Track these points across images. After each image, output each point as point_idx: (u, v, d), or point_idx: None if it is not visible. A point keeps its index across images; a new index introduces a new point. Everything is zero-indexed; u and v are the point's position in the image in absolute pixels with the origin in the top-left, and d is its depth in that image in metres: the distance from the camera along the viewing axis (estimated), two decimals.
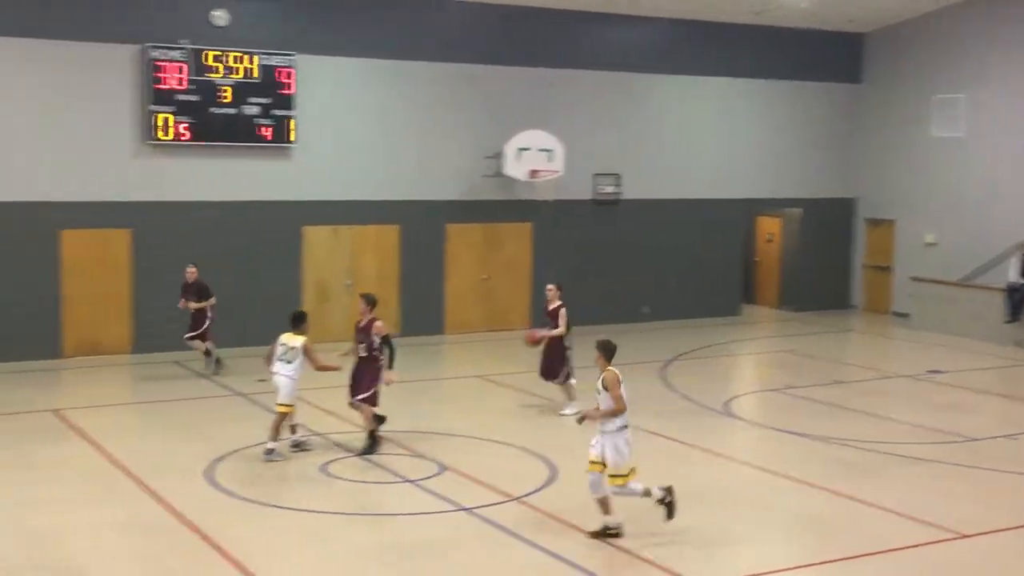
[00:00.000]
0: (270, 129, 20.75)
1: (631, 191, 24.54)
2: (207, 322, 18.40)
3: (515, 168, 22.55)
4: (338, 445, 13.96)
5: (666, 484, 10.76)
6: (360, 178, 21.93)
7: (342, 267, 22.07)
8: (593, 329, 23.67)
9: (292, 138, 20.97)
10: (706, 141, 25.45)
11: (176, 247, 20.20)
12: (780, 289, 27.69)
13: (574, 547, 10.48)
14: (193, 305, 18.25)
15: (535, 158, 22.64)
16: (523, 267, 23.81)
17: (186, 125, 20.03)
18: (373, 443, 13.61)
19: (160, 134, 19.86)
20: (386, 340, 13.69)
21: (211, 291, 18.44)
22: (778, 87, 26.07)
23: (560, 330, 15.87)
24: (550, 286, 16.35)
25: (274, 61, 20.63)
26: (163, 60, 19.72)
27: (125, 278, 20.07)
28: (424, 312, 22.72)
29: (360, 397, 13.62)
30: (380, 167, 22.10)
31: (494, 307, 23.65)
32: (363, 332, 13.71)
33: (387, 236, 22.43)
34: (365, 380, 13.62)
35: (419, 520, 11.06)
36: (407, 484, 12.41)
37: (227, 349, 19.18)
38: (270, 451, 13.28)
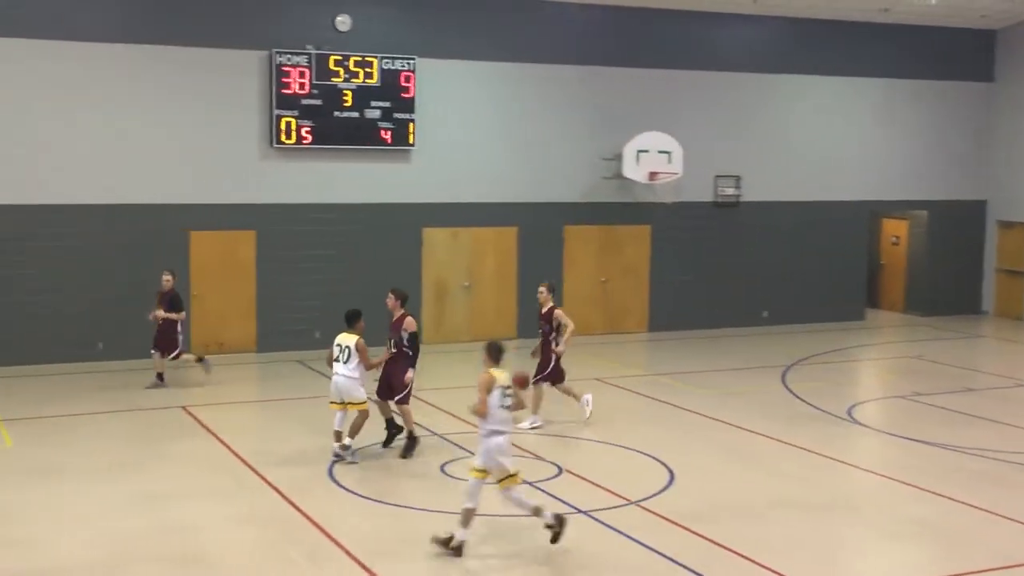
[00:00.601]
0: (390, 132, 21.01)
1: (751, 193, 24.17)
2: (179, 337, 17.35)
3: (634, 170, 22.43)
4: (457, 445, 14.01)
5: (563, 514, 10.38)
6: (479, 180, 22.05)
7: (461, 269, 22.22)
8: (711, 332, 23.65)
9: (412, 141, 21.20)
10: (829, 142, 24.91)
11: (299, 248, 20.68)
12: (906, 293, 26.94)
13: (692, 552, 10.35)
14: (161, 315, 17.05)
15: (654, 160, 22.49)
16: (641, 269, 23.65)
17: (308, 129, 20.42)
18: (413, 443, 13.51)
19: (284, 138, 20.29)
20: (413, 337, 13.47)
21: (182, 304, 17.52)
22: (904, 86, 25.36)
23: (571, 328, 15.33)
24: (541, 287, 15.68)
25: (395, 65, 20.89)
26: (288, 65, 20.15)
27: (250, 278, 20.54)
28: None
29: (398, 399, 13.45)
30: (499, 169, 22.20)
31: (612, 310, 23.54)
32: (394, 328, 13.59)
33: (505, 238, 22.51)
34: (397, 379, 13.42)
35: (536, 522, 11.03)
36: (524, 486, 12.40)
37: None
38: (348, 449, 13.20)
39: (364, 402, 13.18)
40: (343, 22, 20.74)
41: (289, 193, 20.65)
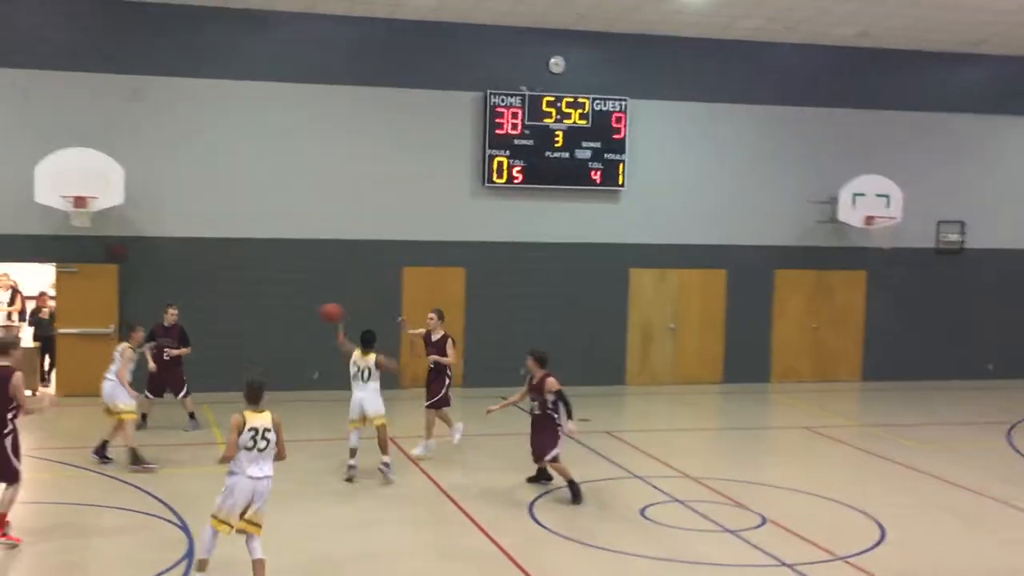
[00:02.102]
0: (600, 172, 21.10)
1: (977, 239, 23.06)
2: (183, 374, 16.76)
3: (850, 214, 21.78)
4: (658, 489, 13.81)
5: None
6: (687, 221, 21.85)
7: (667, 310, 22.01)
8: (930, 384, 22.58)
9: (621, 182, 21.21)
10: None
11: (507, 286, 20.97)
12: None
13: None
14: (173, 352, 16.47)
15: (871, 204, 21.79)
16: (855, 316, 22.88)
17: (520, 168, 20.74)
18: (577, 490, 13.16)
19: (496, 177, 20.66)
20: (560, 396, 13.13)
21: (188, 339, 16.91)
22: None
23: (450, 359, 15.10)
24: (431, 314, 15.36)
25: (606, 106, 20.99)
26: (502, 106, 20.55)
27: (459, 314, 20.91)
28: (749, 359, 22.27)
29: (551, 457, 13.27)
30: (708, 210, 21.94)
31: (822, 357, 22.83)
32: (536, 390, 13.32)
33: (713, 280, 22.17)
34: (547, 438, 13.26)
35: (736, 572, 10.72)
36: (726, 534, 12.09)
37: None
38: (388, 466, 13.82)
39: (383, 415, 13.91)
40: (556, 64, 21.01)
41: (499, 231, 20.98)
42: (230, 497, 9.64)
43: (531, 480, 13.83)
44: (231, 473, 9.69)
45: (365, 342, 14.04)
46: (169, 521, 11.98)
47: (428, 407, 15.24)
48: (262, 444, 9.70)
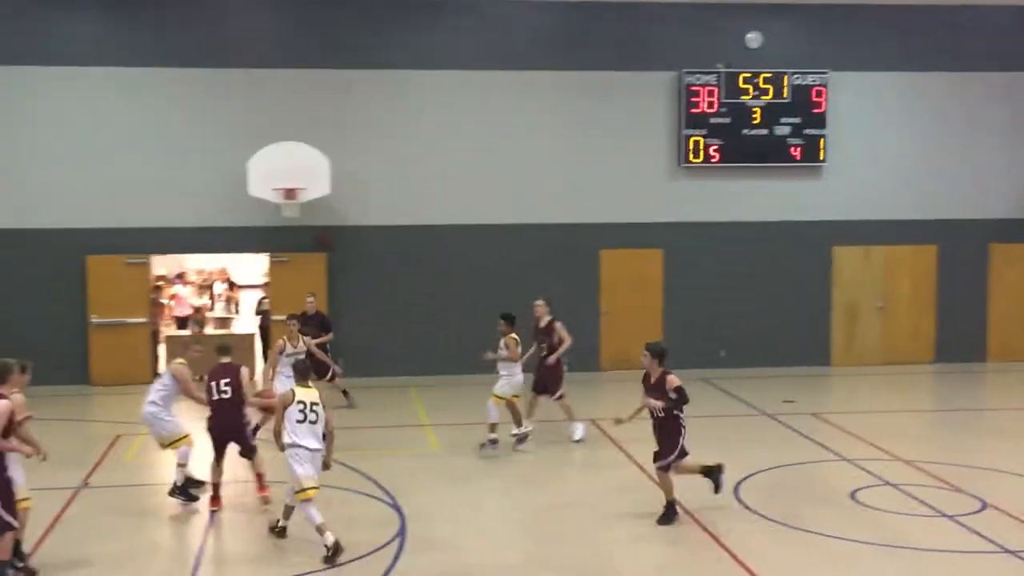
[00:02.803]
0: (800, 148, 20.58)
1: None
2: (328, 357, 16.95)
3: None
4: (869, 472, 13.40)
5: (340, 543, 10.25)
6: (894, 196, 21.08)
7: (874, 289, 21.30)
8: None
9: (822, 157, 20.63)
10: None
11: (705, 267, 20.73)
12: None
13: None
14: (312, 342, 16.14)
15: None
16: None
17: (716, 147, 20.43)
18: (672, 512, 11.58)
19: (692, 157, 20.42)
20: (679, 392, 11.46)
21: (331, 325, 17.36)
22: None
23: (567, 344, 14.97)
24: (538, 301, 15.19)
25: (806, 80, 20.44)
26: (697, 85, 20.28)
27: (657, 296, 20.80)
28: (964, 338, 21.34)
29: (669, 460, 11.56)
30: (917, 184, 21.10)
31: None
32: (655, 389, 11.57)
33: (923, 257, 21.32)
34: (664, 442, 11.61)
35: (954, 558, 10.30)
36: (943, 519, 11.63)
37: (749, 369, 19.31)
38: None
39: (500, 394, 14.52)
40: (754, 39, 20.58)
41: (696, 212, 20.74)
42: (299, 466, 10.46)
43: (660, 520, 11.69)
44: (291, 446, 10.50)
45: (510, 320, 14.60)
46: (380, 500, 12.37)
47: (557, 399, 15.15)
48: (312, 416, 10.54)
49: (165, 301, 22.40)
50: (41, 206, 19.37)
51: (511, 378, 14.59)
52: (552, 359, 15.02)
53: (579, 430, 15.12)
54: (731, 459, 13.78)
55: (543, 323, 15.18)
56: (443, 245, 20.27)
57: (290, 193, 18.72)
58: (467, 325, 19.96)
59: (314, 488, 10.47)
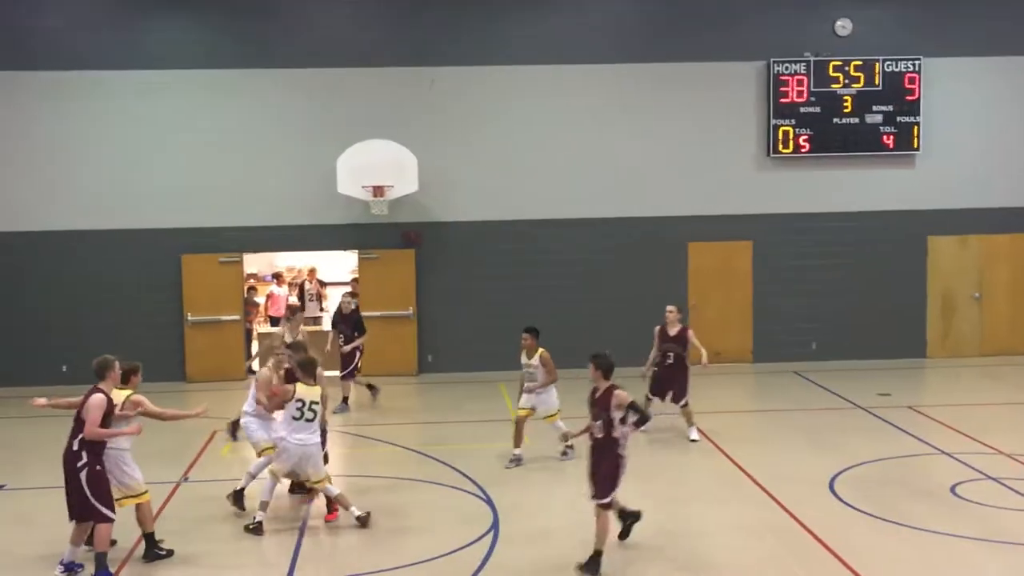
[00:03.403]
0: (892, 137, 20.19)
1: None
2: (357, 356, 17.17)
3: None
4: (968, 466, 13.10)
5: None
6: (993, 183, 20.59)
7: (970, 279, 20.84)
8: None
9: (916, 145, 20.22)
10: None
11: (795, 258, 20.47)
12: None
13: None
14: (345, 348, 16.87)
15: None
16: None
17: (806, 137, 20.15)
18: (596, 565, 10.00)
19: (781, 147, 20.16)
20: (633, 408, 10.05)
21: (364, 326, 17.27)
22: None
23: (704, 355, 14.86)
24: (670, 307, 15.11)
25: (898, 67, 20.05)
26: (786, 74, 20.01)
27: (746, 288, 20.58)
28: None
29: (602, 502, 10.13)
30: (1014, 171, 20.60)
31: None
32: (599, 405, 10.14)
33: (1022, 245, 20.78)
34: (601, 472, 10.15)
35: None
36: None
37: (841, 362, 19.05)
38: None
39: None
40: (843, 26, 20.25)
41: (786, 203, 20.48)
42: (282, 457, 11.16)
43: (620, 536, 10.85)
44: (281, 439, 11.16)
45: (534, 332, 13.91)
46: (474, 495, 12.44)
47: (683, 407, 14.88)
48: (309, 415, 11.02)
49: (259, 300, 22.72)
50: (139, 207, 19.81)
51: (547, 394, 13.89)
52: (691, 368, 14.90)
53: (695, 432, 14.94)
54: (825, 452, 13.65)
55: (674, 331, 14.99)
56: (530, 240, 20.28)
57: (378, 190, 18.88)
58: (555, 319, 19.93)
59: (275, 473, 11.20)
